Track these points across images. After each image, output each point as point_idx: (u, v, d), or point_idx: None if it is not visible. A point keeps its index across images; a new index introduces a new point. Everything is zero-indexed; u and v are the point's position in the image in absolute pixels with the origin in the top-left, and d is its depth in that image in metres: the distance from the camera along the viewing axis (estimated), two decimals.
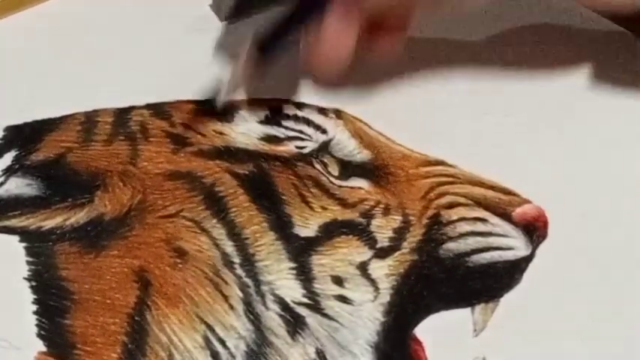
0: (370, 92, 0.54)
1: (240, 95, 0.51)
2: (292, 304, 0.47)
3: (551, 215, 0.50)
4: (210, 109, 0.52)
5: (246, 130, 0.51)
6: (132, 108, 0.52)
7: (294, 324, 0.46)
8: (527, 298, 0.48)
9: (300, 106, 0.53)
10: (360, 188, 0.50)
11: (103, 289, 0.46)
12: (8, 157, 0.49)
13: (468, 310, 0.48)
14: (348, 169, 0.50)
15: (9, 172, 0.49)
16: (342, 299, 0.47)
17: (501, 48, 0.58)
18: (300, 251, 0.48)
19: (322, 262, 0.48)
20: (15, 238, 0.47)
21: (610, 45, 0.58)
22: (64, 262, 0.47)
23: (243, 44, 0.49)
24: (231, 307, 0.46)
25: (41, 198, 0.48)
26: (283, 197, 0.49)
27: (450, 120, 0.53)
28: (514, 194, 0.50)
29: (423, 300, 0.48)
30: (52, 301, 0.46)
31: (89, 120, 0.51)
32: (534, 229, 0.49)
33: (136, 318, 0.45)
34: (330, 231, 0.48)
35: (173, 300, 0.46)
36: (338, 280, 0.47)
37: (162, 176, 0.49)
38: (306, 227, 0.48)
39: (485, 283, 0.48)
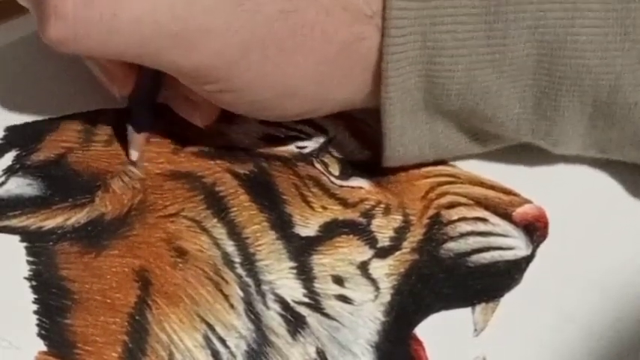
0: None
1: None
2: (293, 304, 0.47)
3: (551, 215, 0.50)
4: None
5: (246, 130, 0.51)
6: None
7: (295, 323, 0.46)
8: (528, 298, 0.48)
9: None
10: (360, 188, 0.50)
11: (103, 288, 0.46)
12: (9, 157, 0.49)
13: (468, 309, 0.48)
14: (349, 168, 0.50)
15: (10, 171, 0.49)
16: (343, 299, 0.47)
17: None
18: (301, 251, 0.48)
19: (323, 262, 0.48)
20: (16, 238, 0.47)
21: None
22: (64, 262, 0.47)
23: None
24: (232, 306, 0.46)
25: (42, 198, 0.48)
26: (284, 197, 0.49)
27: None
28: (514, 194, 0.50)
29: (423, 300, 0.48)
30: (53, 301, 0.46)
31: (90, 120, 0.51)
32: (535, 229, 0.49)
33: (137, 317, 0.45)
34: (331, 230, 0.48)
35: (173, 299, 0.46)
36: (338, 280, 0.47)
37: (163, 176, 0.49)
38: (307, 227, 0.48)
39: (486, 283, 0.48)
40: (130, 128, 0.50)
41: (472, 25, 0.45)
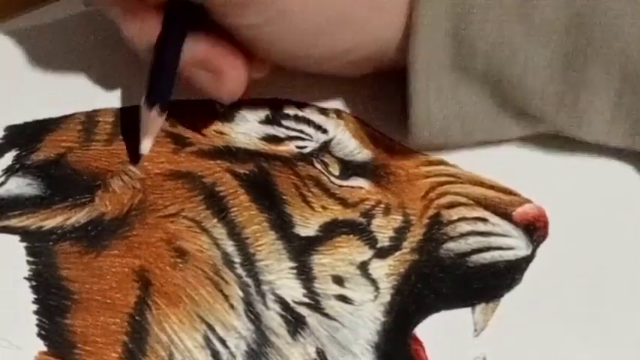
0: (371, 92, 0.54)
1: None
2: (293, 304, 0.47)
3: (551, 215, 0.50)
4: (210, 109, 0.52)
5: (246, 130, 0.51)
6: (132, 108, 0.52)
7: (295, 324, 0.46)
8: (528, 298, 0.48)
9: (301, 105, 0.53)
10: (360, 188, 0.50)
11: (103, 288, 0.46)
12: (9, 157, 0.49)
13: (468, 309, 0.48)
14: (349, 168, 0.50)
15: (9, 171, 0.49)
16: (343, 299, 0.47)
17: None
18: (301, 251, 0.48)
19: (323, 262, 0.48)
20: (15, 238, 0.47)
21: None
22: (64, 262, 0.47)
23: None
24: (232, 306, 0.46)
25: (42, 198, 0.48)
26: (284, 197, 0.49)
27: None
28: (515, 194, 0.50)
29: (423, 300, 0.48)
30: (53, 301, 0.46)
31: (90, 120, 0.51)
32: (535, 229, 0.49)
33: (137, 318, 0.45)
34: (331, 230, 0.48)
35: (173, 299, 0.46)
36: (338, 280, 0.47)
37: (163, 176, 0.49)
38: (307, 227, 0.48)
39: (486, 283, 0.48)
40: (144, 112, 0.49)
41: None
